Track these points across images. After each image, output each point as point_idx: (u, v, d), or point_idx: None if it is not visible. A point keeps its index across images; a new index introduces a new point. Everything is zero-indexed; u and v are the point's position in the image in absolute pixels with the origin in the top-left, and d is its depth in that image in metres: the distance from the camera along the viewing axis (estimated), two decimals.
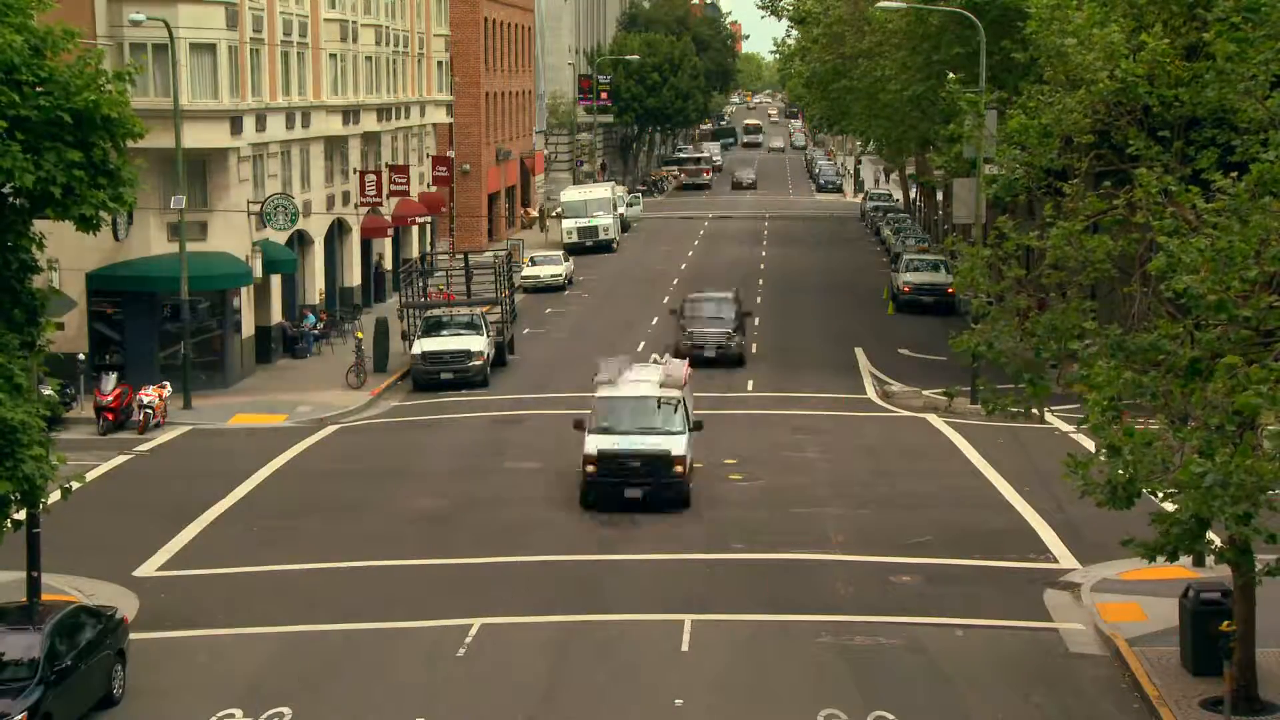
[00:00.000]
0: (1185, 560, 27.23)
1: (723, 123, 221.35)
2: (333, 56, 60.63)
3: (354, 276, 64.92)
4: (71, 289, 45.86)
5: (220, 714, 23.57)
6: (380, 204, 65.13)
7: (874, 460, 40.54)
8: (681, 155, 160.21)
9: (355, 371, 50.42)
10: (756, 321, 64.11)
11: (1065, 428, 41.67)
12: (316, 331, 56.50)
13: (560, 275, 75.53)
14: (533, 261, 77.04)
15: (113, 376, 44.33)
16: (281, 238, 53.79)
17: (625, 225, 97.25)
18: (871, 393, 50.38)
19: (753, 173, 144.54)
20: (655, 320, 64.55)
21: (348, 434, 44.77)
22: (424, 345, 51.10)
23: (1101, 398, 21.98)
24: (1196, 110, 25.02)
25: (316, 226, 59.38)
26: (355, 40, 63.10)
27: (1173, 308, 23.53)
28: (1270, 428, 20.06)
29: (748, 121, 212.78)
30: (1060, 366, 26.63)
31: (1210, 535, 22.33)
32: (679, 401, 36.07)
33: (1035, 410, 25.57)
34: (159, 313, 48.58)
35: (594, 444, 34.64)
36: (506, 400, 49.00)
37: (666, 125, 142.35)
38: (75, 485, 24.60)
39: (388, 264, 69.62)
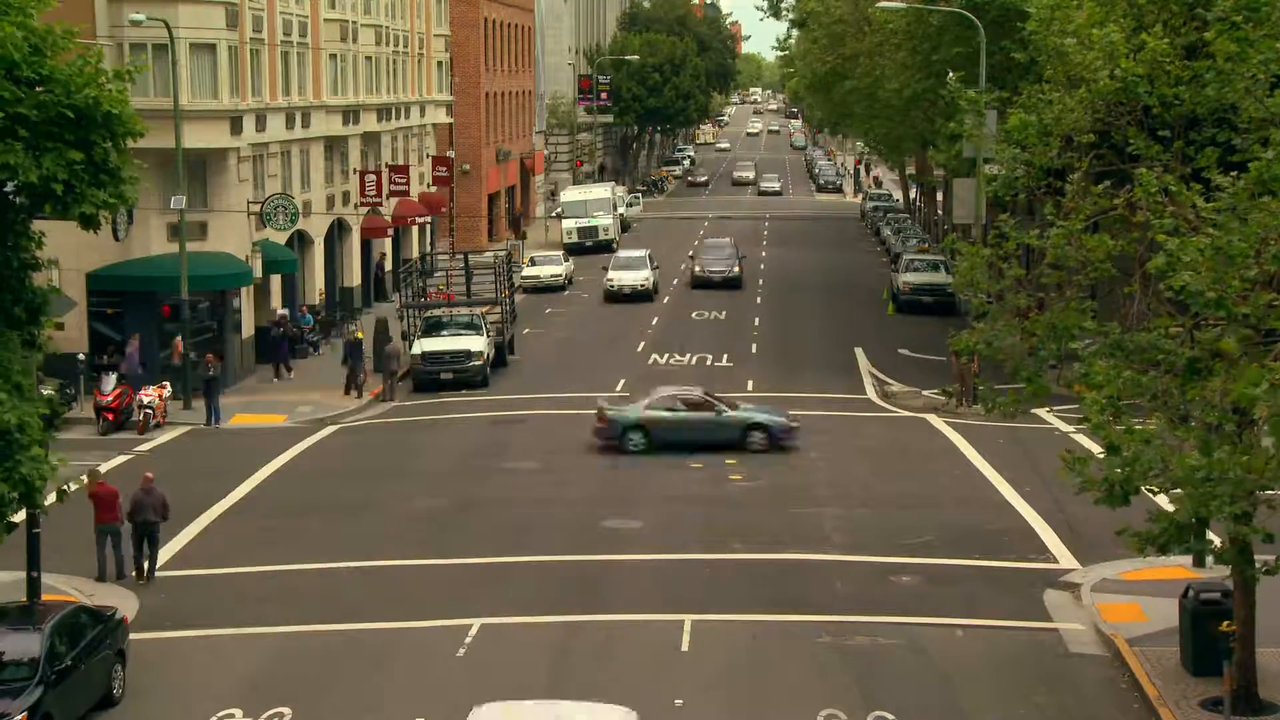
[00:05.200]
0: (1185, 560, 27.32)
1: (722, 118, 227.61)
2: (333, 56, 60.63)
3: (354, 276, 64.93)
4: (72, 289, 45.86)
5: (220, 714, 23.58)
6: (380, 204, 65.14)
7: (874, 460, 40.53)
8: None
9: (354, 378, 49.66)
10: (756, 321, 64.17)
11: (1065, 428, 41.65)
12: (303, 334, 56.12)
13: (560, 275, 75.55)
14: (533, 261, 77.07)
15: (113, 376, 44.34)
16: (281, 238, 53.80)
17: (625, 225, 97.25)
18: (871, 393, 50.39)
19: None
20: (655, 320, 64.58)
21: (348, 434, 44.78)
22: (424, 345, 51.10)
23: (1101, 397, 21.99)
24: (1196, 109, 25.01)
25: (316, 226, 59.39)
26: (355, 40, 63.10)
27: (1172, 307, 23.53)
28: (1269, 420, 20.04)
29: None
30: (1060, 366, 26.64)
31: (1210, 535, 22.32)
32: None
33: (1017, 409, 25.59)
34: (159, 313, 48.58)
35: None
36: (506, 400, 49.01)
37: (667, 125, 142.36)
38: (73, 486, 24.58)
39: (389, 264, 69.67)
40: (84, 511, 32.71)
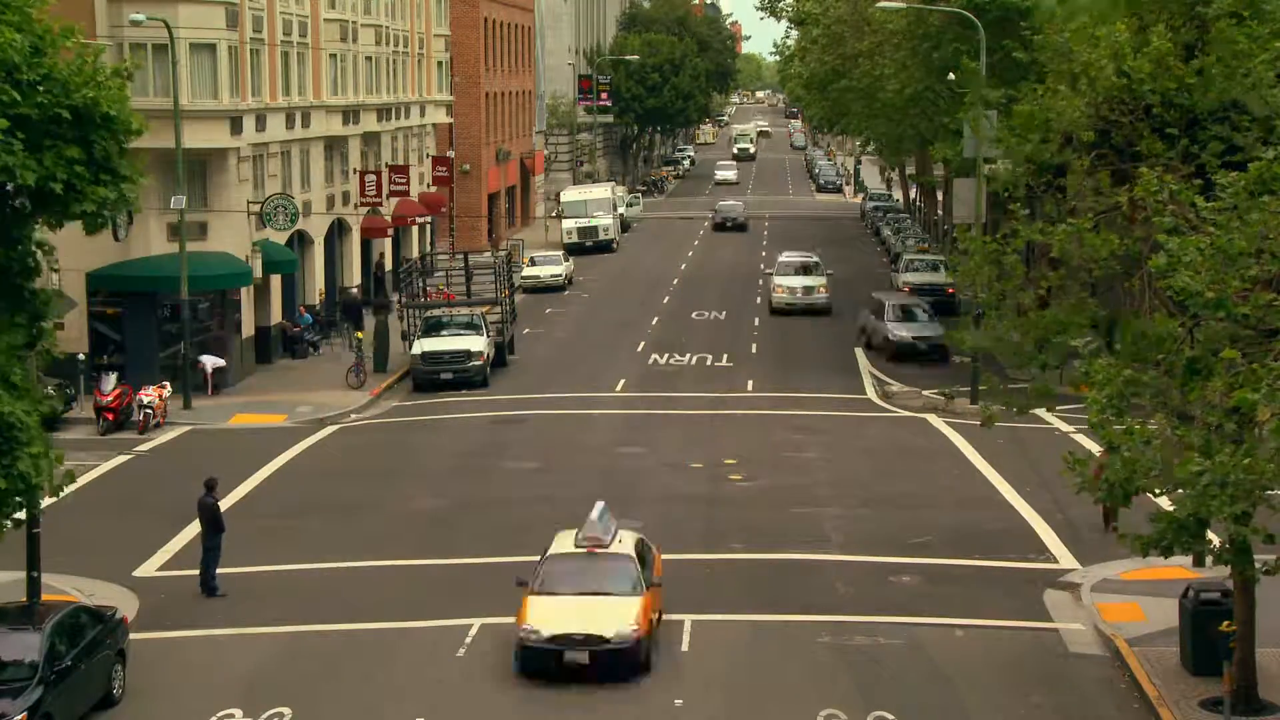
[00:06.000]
0: (1185, 560, 27.28)
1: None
2: (333, 56, 60.61)
3: (354, 276, 64.89)
4: (72, 289, 45.86)
5: (220, 714, 23.57)
6: (380, 204, 65.11)
7: (874, 460, 40.52)
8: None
9: (355, 371, 50.45)
10: (756, 321, 64.15)
11: (1065, 428, 41.65)
12: (308, 335, 56.31)
13: (560, 275, 75.55)
14: (533, 261, 77.06)
15: (113, 376, 44.30)
16: (281, 238, 53.77)
17: (625, 225, 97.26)
18: (871, 393, 50.37)
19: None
20: (655, 320, 64.56)
21: (348, 434, 44.76)
22: (424, 345, 51.09)
23: (1101, 395, 21.98)
24: (1198, 105, 25.03)
25: (316, 226, 59.36)
26: (355, 40, 63.07)
27: (1173, 306, 23.55)
28: (1270, 423, 20.04)
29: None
30: (1060, 366, 26.64)
31: (1209, 535, 22.31)
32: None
33: (1020, 410, 25.58)
34: (159, 313, 48.56)
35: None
36: (506, 400, 48.99)
37: (667, 125, 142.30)
38: (69, 487, 24.53)
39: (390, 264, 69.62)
40: (84, 512, 32.79)
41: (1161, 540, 21.60)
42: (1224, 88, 23.76)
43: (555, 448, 41.91)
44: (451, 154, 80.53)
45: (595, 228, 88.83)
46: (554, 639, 24.43)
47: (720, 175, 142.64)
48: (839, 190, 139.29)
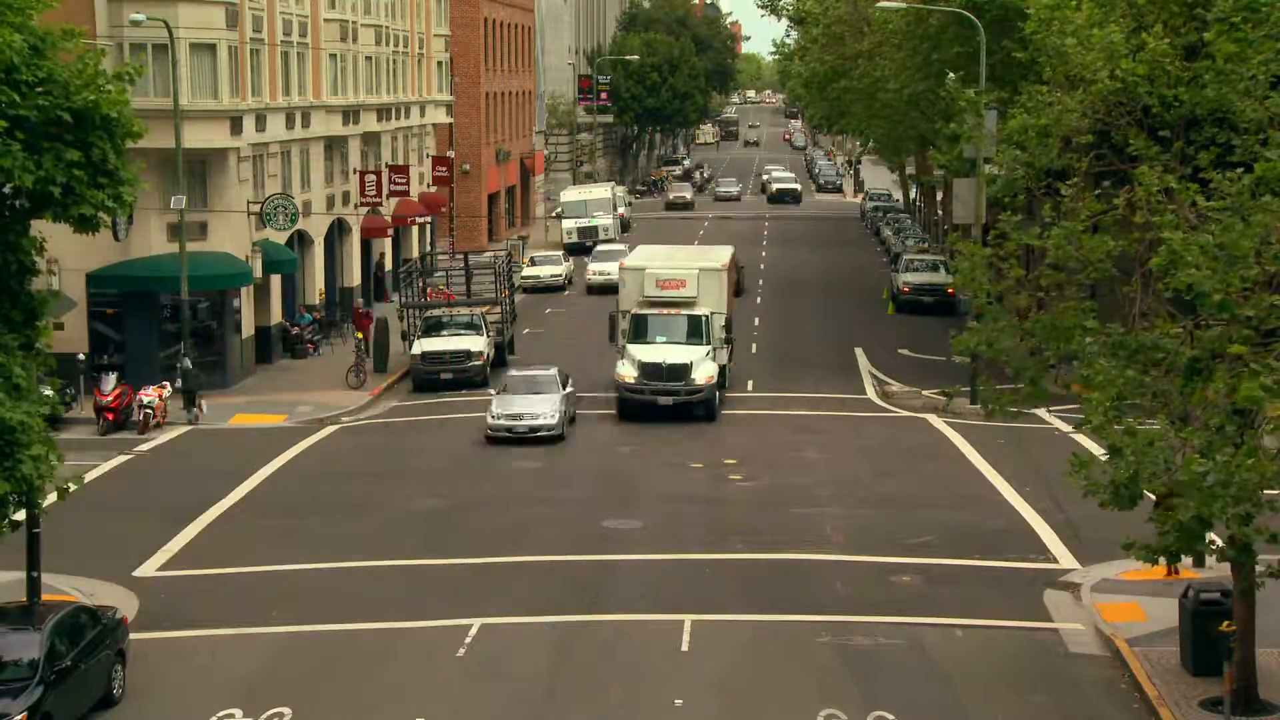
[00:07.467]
0: (1185, 560, 27.29)
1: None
2: (333, 56, 60.62)
3: (354, 276, 64.90)
4: (71, 289, 45.92)
5: (220, 714, 23.58)
6: (380, 204, 65.11)
7: (874, 460, 40.53)
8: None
9: (355, 371, 50.48)
10: (756, 321, 64.11)
11: (1065, 428, 41.63)
12: (309, 334, 56.37)
13: (560, 275, 75.57)
14: (533, 261, 77.08)
15: (113, 376, 44.31)
16: (281, 238, 53.78)
17: (625, 225, 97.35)
18: (871, 393, 50.38)
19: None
20: None
21: (347, 434, 44.76)
22: (424, 345, 51.09)
23: (1104, 397, 21.97)
24: (1196, 109, 25.01)
25: (316, 226, 59.37)
26: (355, 40, 63.08)
27: (1172, 307, 23.54)
28: (1271, 416, 20.03)
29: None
30: (1059, 366, 26.62)
31: (1211, 535, 22.30)
32: None
33: (1017, 410, 25.58)
34: (159, 313, 48.57)
35: None
36: None
37: (666, 125, 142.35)
38: (73, 486, 24.57)
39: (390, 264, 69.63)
40: (84, 512, 32.79)
41: (1170, 547, 21.57)
42: (1218, 95, 23.71)
43: (555, 448, 41.90)
44: (451, 154, 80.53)
45: (595, 228, 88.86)
46: None
47: (722, 189, 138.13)
48: (839, 190, 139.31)
